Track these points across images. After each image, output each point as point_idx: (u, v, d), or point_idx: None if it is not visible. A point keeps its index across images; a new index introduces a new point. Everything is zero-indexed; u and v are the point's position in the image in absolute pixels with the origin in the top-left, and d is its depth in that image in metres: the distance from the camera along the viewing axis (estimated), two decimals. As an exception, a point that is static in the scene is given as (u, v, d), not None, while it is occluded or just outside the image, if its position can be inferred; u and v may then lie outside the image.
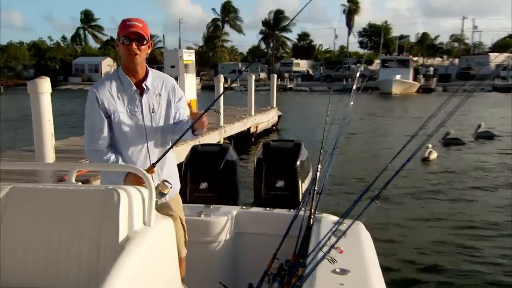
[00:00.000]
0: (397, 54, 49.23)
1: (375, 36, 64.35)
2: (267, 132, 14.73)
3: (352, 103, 3.28)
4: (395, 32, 67.98)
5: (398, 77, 37.44)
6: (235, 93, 38.99)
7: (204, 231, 2.99)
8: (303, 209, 2.99)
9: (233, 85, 46.37)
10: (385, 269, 2.07)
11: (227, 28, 70.83)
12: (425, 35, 68.54)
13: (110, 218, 1.63)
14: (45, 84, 4.41)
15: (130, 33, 2.26)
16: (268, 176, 4.52)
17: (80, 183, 1.85)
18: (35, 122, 4.42)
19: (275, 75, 16.57)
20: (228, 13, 68.79)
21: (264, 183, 4.52)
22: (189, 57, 11.23)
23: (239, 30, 69.97)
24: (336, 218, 2.75)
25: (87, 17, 71.24)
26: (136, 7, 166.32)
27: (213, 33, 69.54)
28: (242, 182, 5.20)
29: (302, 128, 16.97)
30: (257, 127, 13.64)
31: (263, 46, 70.14)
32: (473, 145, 12.86)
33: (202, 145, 4.84)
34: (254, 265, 2.69)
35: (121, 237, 1.62)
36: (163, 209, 2.44)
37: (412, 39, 69.73)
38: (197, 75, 50.58)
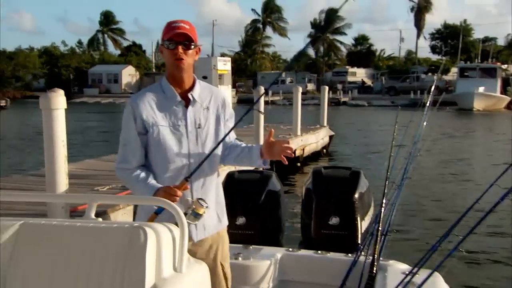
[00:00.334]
0: (480, 61, 48.07)
1: (452, 38, 63.22)
2: (316, 156, 14.65)
3: (425, 122, 3.22)
4: (477, 34, 66.58)
5: (481, 89, 36.51)
6: (277, 108, 39.29)
7: (241, 277, 2.98)
8: (363, 253, 2.94)
9: (275, 98, 46.79)
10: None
11: (268, 31, 71.89)
12: (517, 37, 66.68)
13: (135, 262, 1.65)
14: (59, 99, 4.59)
15: (176, 35, 2.35)
16: (320, 211, 4.48)
17: (100, 219, 1.89)
18: (46, 143, 4.59)
19: (326, 87, 16.54)
20: (271, 14, 69.81)
21: (315, 219, 4.49)
22: (224, 65, 11.44)
23: (283, 34, 70.81)
24: (407, 267, 2.67)
25: (107, 19, 74.37)
26: (162, 6, 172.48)
27: (253, 37, 70.67)
28: (288, 218, 5.18)
29: (359, 152, 16.77)
30: (304, 149, 13.58)
31: (311, 51, 70.59)
32: None
33: (239, 171, 4.86)
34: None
35: (148, 285, 1.63)
36: (201, 248, 2.47)
37: (501, 42, 67.96)
38: (233, 86, 51.59)
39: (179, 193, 2.24)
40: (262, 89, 10.86)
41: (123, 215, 5.35)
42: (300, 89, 13.79)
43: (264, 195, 4.48)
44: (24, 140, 18.84)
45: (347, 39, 74.87)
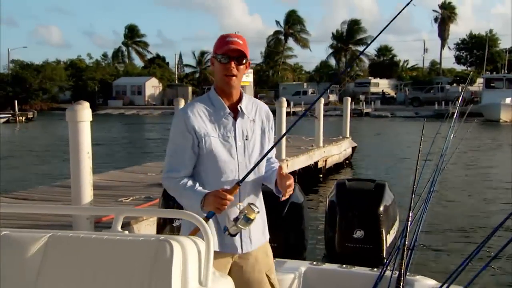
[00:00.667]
0: (507, 71, 47.32)
1: (478, 49, 62.40)
2: (338, 167, 14.56)
3: (453, 135, 3.16)
4: (504, 44, 65.57)
5: (508, 100, 35.86)
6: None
7: (265, 291, 2.95)
8: (389, 268, 2.89)
9: (297, 109, 46.73)
10: None
11: (290, 42, 72.10)
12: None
13: (161, 275, 1.65)
14: (85, 112, 4.66)
15: (230, 51, 2.38)
16: (344, 224, 4.43)
17: (126, 232, 1.90)
18: (72, 155, 4.66)
19: (349, 98, 16.45)
20: (293, 25, 70.04)
21: (339, 232, 4.44)
22: (246, 77, 11.49)
23: (304, 45, 70.87)
24: (435, 283, 2.62)
25: (132, 33, 75.56)
26: (185, 19, 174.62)
27: (274, 48, 70.92)
28: (311, 231, 5.14)
29: (382, 164, 16.57)
30: (326, 161, 13.52)
31: (333, 62, 70.47)
32: None
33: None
34: None
35: (173, 299, 1.63)
36: (247, 262, 2.48)
37: (528, 52, 66.87)
38: (255, 97, 51.81)
39: (230, 196, 2.24)
40: (284, 101, 10.87)
41: (146, 227, 5.38)
42: (322, 100, 13.75)
43: (287, 208, 4.44)
44: (50, 152, 19.18)
45: (369, 50, 74.49)
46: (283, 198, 2.39)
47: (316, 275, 3.18)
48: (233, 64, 2.38)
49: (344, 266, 3.23)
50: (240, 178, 2.37)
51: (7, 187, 9.56)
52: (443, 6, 67.37)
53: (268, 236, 2.63)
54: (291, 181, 2.37)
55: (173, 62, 76.98)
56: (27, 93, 55.50)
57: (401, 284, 2.66)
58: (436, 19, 67.95)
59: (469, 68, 64.60)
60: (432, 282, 2.69)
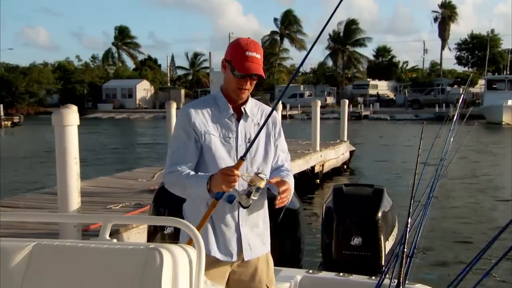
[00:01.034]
0: (509, 72, 47.60)
1: (479, 49, 62.75)
2: (336, 172, 14.58)
3: (453, 138, 3.17)
4: (506, 44, 65.91)
5: (510, 102, 36.03)
6: (295, 122, 39.30)
7: (260, 301, 2.94)
8: (388, 276, 2.89)
9: (293, 112, 46.82)
10: None
11: (286, 43, 72.26)
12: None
13: (150, 286, 1.64)
14: (72, 116, 4.65)
15: (249, 71, 2.38)
16: (341, 230, 4.42)
17: (115, 240, 1.89)
18: (59, 161, 4.64)
19: (346, 100, 16.49)
20: (289, 25, 70.19)
21: (336, 239, 4.43)
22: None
23: (301, 46, 71.02)
24: (434, 292, 2.61)
25: (122, 34, 75.53)
26: (178, 19, 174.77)
27: (270, 50, 71.02)
28: (307, 238, 5.13)
29: (381, 168, 16.62)
30: (323, 165, 13.53)
31: (330, 63, 70.64)
32: None
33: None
34: None
35: (163, 309, 1.62)
36: (246, 270, 2.48)
37: (531, 52, 67.34)
38: (249, 100, 51.74)
39: (237, 172, 2.21)
40: (280, 103, 10.87)
41: (136, 235, 5.36)
42: (319, 103, 13.77)
43: (283, 214, 4.42)
44: (37, 157, 19.10)
45: (367, 51, 74.78)
46: (276, 207, 2.38)
47: (312, 284, 3.18)
48: (248, 81, 2.42)
49: (341, 274, 3.23)
50: (239, 182, 2.33)
51: (-9, 194, 9.50)
52: (443, 5, 67.69)
53: (269, 247, 2.64)
54: (285, 187, 2.37)
55: (165, 64, 77.13)
56: (13, 97, 55.30)
57: (400, 292, 2.66)
58: (436, 19, 68.27)
59: (470, 69, 64.97)
60: (432, 290, 2.69)
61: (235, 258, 2.44)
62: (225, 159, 2.41)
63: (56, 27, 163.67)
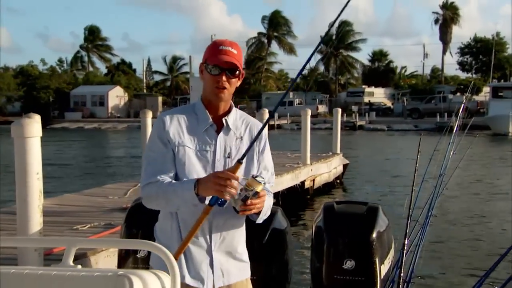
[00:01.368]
0: (516, 79, 48.24)
1: (484, 54, 63.57)
2: (328, 187, 14.63)
3: (453, 152, 3.20)
4: (513, 49, 66.58)
5: (517, 111, 36.46)
6: (284, 132, 39.40)
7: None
8: (383, 304, 2.89)
9: (282, 122, 46.96)
10: None
11: (274, 46, 72.60)
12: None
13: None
14: (34, 126, 4.59)
15: (223, 63, 2.41)
16: (332, 253, 4.42)
17: (79, 266, 1.87)
18: (18, 177, 4.57)
19: (339, 109, 16.59)
20: (277, 27, 70.58)
21: (326, 263, 4.42)
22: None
23: (290, 49, 71.46)
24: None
25: (92, 35, 75.41)
26: (156, 19, 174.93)
27: (257, 53, 71.34)
28: (296, 260, 5.12)
29: (378, 184, 16.71)
30: (314, 180, 13.57)
31: (321, 68, 71.10)
32: None
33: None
34: None
35: None
36: None
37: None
38: (233, 109, 51.77)
39: (233, 175, 2.21)
40: (266, 112, 10.87)
41: (105, 259, 5.31)
42: (309, 112, 13.81)
43: (268, 235, 4.41)
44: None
45: (362, 55, 75.37)
46: (239, 212, 2.31)
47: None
48: (224, 77, 2.42)
49: (332, 302, 3.22)
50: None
51: None
52: (444, 6, 68.54)
53: (248, 274, 2.62)
54: (259, 198, 2.30)
55: (141, 69, 77.03)
56: (-31, 104, 54.85)
57: (396, 322, 2.66)
58: (436, 21, 69.03)
59: (474, 76, 65.67)
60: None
61: (207, 284, 2.42)
62: (199, 174, 2.40)
63: (18, 27, 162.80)
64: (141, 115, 9.04)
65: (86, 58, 76.66)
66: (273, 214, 4.66)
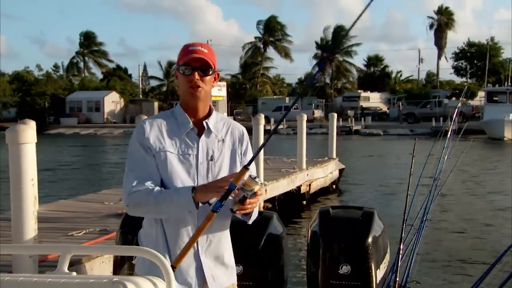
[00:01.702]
0: (511, 84, 48.39)
1: (478, 59, 63.81)
2: (324, 192, 14.63)
3: (447, 157, 3.20)
4: (508, 53, 67.10)
5: (512, 116, 36.56)
6: (280, 137, 39.38)
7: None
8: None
9: (278, 127, 46.89)
10: None
11: (270, 51, 72.68)
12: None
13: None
14: (28, 132, 4.58)
15: (192, 60, 2.41)
16: (328, 258, 4.42)
17: (74, 273, 1.86)
18: (13, 183, 4.56)
19: (335, 114, 16.63)
20: (273, 32, 70.67)
21: (322, 267, 4.42)
22: (219, 91, 11.53)
23: (286, 54, 71.55)
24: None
25: (88, 40, 75.37)
26: (152, 24, 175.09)
27: (253, 58, 71.39)
28: (291, 266, 5.11)
29: (374, 188, 16.71)
30: (310, 185, 13.56)
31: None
32: None
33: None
34: None
35: None
36: None
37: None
38: (230, 113, 51.69)
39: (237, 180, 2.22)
40: (262, 117, 10.85)
41: (101, 265, 5.29)
42: (305, 117, 13.83)
43: (264, 240, 4.41)
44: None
45: (358, 60, 75.50)
46: (236, 212, 2.31)
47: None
48: (197, 75, 2.42)
49: (327, 307, 3.21)
50: (199, 209, 2.34)
51: None
52: (439, 11, 68.87)
53: (235, 279, 2.61)
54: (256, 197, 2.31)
55: (137, 74, 76.99)
56: (-35, 110, 54.72)
57: (391, 327, 2.66)
58: (431, 26, 69.35)
59: (469, 80, 65.93)
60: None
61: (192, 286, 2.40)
62: (183, 179, 2.40)
63: (14, 32, 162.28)
64: (137, 121, 9.04)
65: (82, 64, 76.60)
66: (268, 219, 4.67)
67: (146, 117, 9.28)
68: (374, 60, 72.70)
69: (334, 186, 15.62)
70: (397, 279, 2.75)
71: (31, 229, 4.59)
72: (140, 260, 2.49)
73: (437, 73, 71.92)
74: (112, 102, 61.33)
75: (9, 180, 4.63)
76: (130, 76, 74.37)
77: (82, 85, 66.72)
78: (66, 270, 1.90)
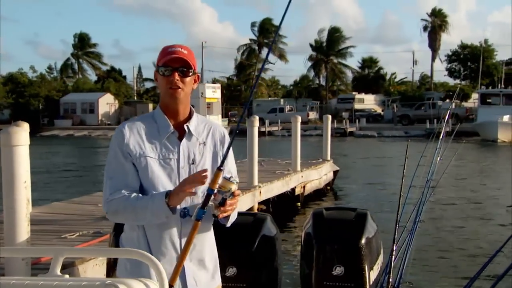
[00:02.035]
0: (504, 86, 48.58)
1: (472, 61, 64.00)
2: (318, 194, 14.63)
3: (440, 158, 3.21)
4: (502, 55, 67.30)
5: (506, 118, 36.64)
6: (275, 139, 39.43)
7: None
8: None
9: (273, 128, 47.01)
10: None
11: (265, 53, 72.57)
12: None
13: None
14: (21, 135, 4.57)
15: (171, 61, 2.40)
16: (321, 259, 4.42)
17: (67, 276, 1.85)
18: (6, 185, 4.55)
19: (329, 116, 16.62)
20: (268, 34, 70.67)
21: (316, 269, 4.42)
22: (213, 93, 11.53)
23: (281, 56, 71.58)
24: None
25: (82, 42, 75.17)
26: (147, 26, 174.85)
27: (247, 60, 71.39)
28: (285, 267, 5.12)
29: (368, 190, 16.75)
30: (304, 187, 13.57)
31: (312, 75, 71.37)
32: None
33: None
34: None
35: None
36: None
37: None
38: (225, 115, 51.65)
39: (205, 169, 2.26)
40: (256, 119, 10.84)
41: (94, 267, 5.27)
42: (300, 119, 13.85)
43: (258, 242, 4.42)
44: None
45: (352, 62, 75.66)
46: (219, 216, 2.33)
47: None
48: (176, 76, 2.40)
49: (320, 308, 3.22)
50: (182, 207, 2.34)
51: None
52: (433, 14, 69.11)
53: (219, 282, 2.61)
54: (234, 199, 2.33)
55: (131, 76, 76.79)
56: (-42, 112, 54.51)
57: (384, 328, 2.67)
58: (425, 28, 69.58)
59: (463, 82, 66.13)
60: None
61: None
62: (164, 184, 2.39)
63: (8, 33, 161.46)
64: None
65: (76, 65, 76.39)
66: (262, 221, 4.68)
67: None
68: (368, 62, 72.85)
69: (328, 188, 15.63)
70: (390, 280, 2.75)
71: (23, 231, 4.57)
72: (122, 264, 2.48)
73: (431, 75, 72.21)
74: (107, 104, 61.19)
75: (2, 182, 4.62)
76: (124, 77, 74.15)
77: (76, 86, 66.54)
78: (59, 273, 1.90)
